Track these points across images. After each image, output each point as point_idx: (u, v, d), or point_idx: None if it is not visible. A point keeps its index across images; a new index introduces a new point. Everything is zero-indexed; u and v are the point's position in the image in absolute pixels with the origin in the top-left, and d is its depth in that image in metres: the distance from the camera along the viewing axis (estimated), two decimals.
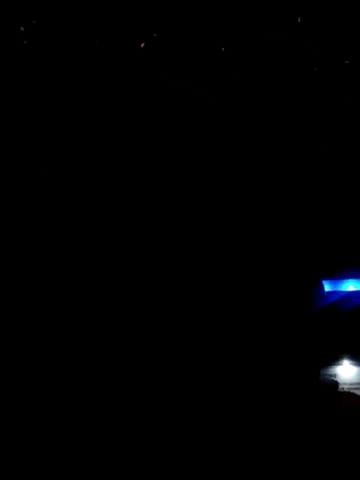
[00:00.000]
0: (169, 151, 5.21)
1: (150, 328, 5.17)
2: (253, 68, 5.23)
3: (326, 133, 5.39)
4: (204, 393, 5.06)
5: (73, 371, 5.03)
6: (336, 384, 5.31)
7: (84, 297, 5.13)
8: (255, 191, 5.34)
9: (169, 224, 5.25)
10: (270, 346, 5.25)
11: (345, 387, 5.57)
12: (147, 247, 5.26)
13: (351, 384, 5.70)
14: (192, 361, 5.13)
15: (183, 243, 5.27)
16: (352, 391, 5.41)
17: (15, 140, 5.28)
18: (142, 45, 5.18)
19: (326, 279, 5.72)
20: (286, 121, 5.34)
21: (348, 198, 5.53)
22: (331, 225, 5.56)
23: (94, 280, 5.16)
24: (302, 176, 5.44)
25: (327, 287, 5.72)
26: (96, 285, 5.15)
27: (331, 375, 5.64)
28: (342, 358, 5.76)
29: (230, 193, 5.31)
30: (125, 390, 5.02)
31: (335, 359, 5.73)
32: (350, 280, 5.75)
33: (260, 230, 5.37)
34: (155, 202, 5.26)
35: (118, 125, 5.18)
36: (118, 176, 5.23)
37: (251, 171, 5.30)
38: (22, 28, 5.13)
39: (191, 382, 5.08)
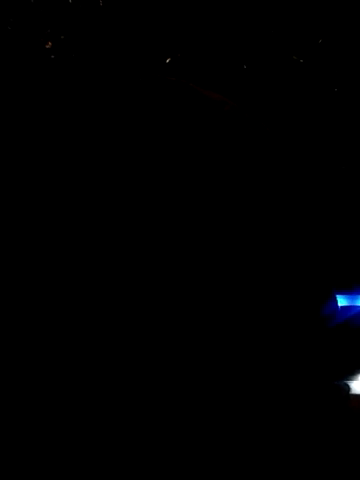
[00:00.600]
0: (184, 156, 5.37)
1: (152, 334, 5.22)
2: (271, 76, 5.44)
3: (350, 150, 5.54)
4: (211, 397, 5.09)
5: (73, 370, 5.07)
6: (347, 387, 5.32)
7: (84, 295, 5.21)
8: (268, 199, 5.46)
9: (177, 230, 5.37)
10: (280, 359, 5.29)
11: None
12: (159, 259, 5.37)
13: None
14: (200, 375, 5.17)
15: (189, 254, 5.37)
16: None
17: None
18: (168, 60, 5.44)
19: (340, 293, 5.76)
20: (303, 131, 5.51)
21: None
22: (346, 237, 5.64)
23: (94, 279, 5.24)
24: (317, 184, 5.57)
25: (341, 302, 5.76)
26: (96, 284, 5.23)
27: (344, 386, 5.63)
28: (357, 373, 5.75)
29: (244, 202, 5.43)
30: (125, 389, 5.04)
31: (350, 374, 5.73)
32: None
33: (272, 241, 5.47)
34: (168, 211, 5.40)
35: (132, 129, 5.38)
36: (134, 182, 5.40)
37: (267, 178, 5.44)
38: (50, 43, 5.42)
39: (198, 390, 5.12)
